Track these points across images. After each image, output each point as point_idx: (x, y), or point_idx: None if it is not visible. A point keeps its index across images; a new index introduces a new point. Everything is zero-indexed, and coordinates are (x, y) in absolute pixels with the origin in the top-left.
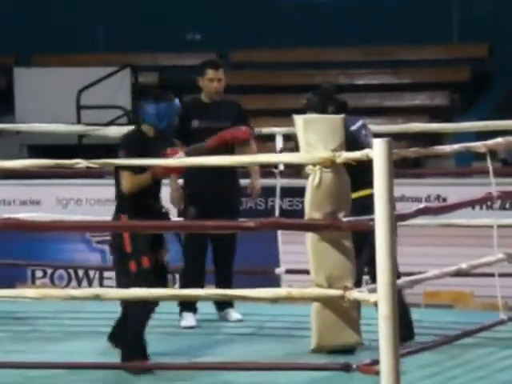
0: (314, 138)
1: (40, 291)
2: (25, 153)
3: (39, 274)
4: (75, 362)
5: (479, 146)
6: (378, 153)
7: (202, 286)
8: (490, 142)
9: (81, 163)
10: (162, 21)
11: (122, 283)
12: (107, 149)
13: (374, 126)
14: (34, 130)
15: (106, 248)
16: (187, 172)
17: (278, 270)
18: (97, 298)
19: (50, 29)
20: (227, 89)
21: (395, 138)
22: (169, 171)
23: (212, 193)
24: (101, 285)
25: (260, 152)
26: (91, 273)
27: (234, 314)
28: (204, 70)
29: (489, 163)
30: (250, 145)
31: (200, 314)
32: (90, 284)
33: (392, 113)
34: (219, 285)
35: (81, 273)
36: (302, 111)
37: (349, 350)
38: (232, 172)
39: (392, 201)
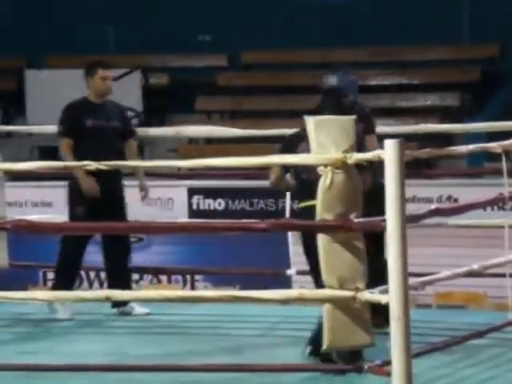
0: (326, 138)
1: (51, 293)
2: (36, 154)
3: (51, 275)
4: (86, 364)
5: (495, 146)
6: (389, 153)
7: (73, 282)
8: (506, 142)
9: (91, 165)
10: (173, 22)
11: None
12: None
13: (385, 127)
14: (46, 131)
15: None
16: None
17: (289, 272)
18: (108, 299)
19: (61, 31)
20: (238, 89)
21: (406, 139)
22: None
23: (99, 192)
24: None
25: (271, 153)
26: (102, 274)
27: (137, 308)
28: (95, 70)
29: (503, 164)
30: None
31: (204, 314)
32: (101, 285)
33: (403, 113)
34: (113, 284)
35: (92, 274)
36: (312, 112)
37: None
38: (115, 172)
39: (403, 202)
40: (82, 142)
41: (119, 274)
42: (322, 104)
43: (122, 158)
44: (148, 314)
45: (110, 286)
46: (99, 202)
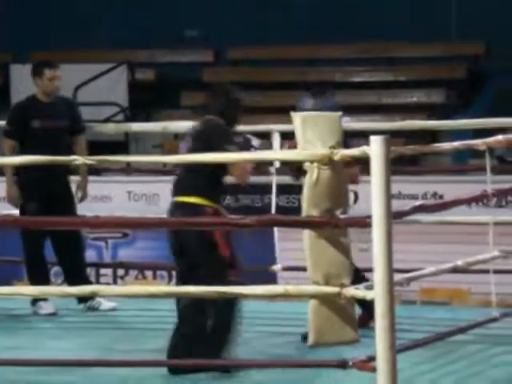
0: (312, 135)
1: (37, 289)
2: None
3: None
4: (71, 359)
5: (479, 143)
6: (375, 150)
7: (46, 274)
8: (490, 139)
9: (78, 160)
10: (160, 17)
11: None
12: (104, 145)
13: (371, 124)
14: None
15: (102, 245)
16: (21, 169)
17: (274, 267)
18: (93, 295)
19: (47, 26)
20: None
21: (392, 135)
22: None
23: (48, 189)
24: (97, 282)
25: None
26: (88, 270)
27: (104, 302)
28: (41, 70)
29: (487, 161)
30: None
31: None
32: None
33: (389, 110)
34: (69, 279)
35: None
36: (294, 109)
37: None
38: (64, 168)
39: (389, 198)
40: (29, 143)
41: (76, 271)
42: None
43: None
44: (115, 308)
45: (69, 284)
46: (48, 200)
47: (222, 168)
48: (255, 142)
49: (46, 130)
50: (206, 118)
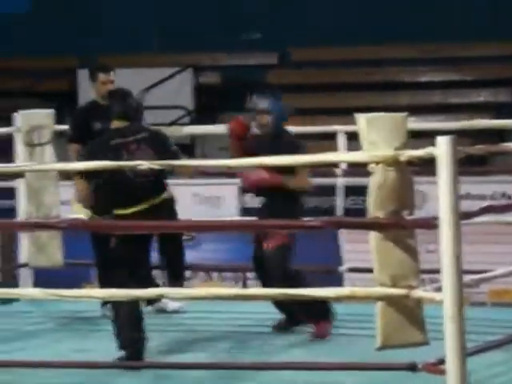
0: (377, 136)
1: (107, 291)
2: None
3: None
4: (140, 362)
5: None
6: (442, 150)
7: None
8: None
9: (143, 164)
10: (223, 20)
11: None
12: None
13: (438, 123)
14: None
15: None
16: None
17: (341, 269)
18: (161, 297)
19: (113, 30)
20: (289, 87)
21: (459, 135)
22: None
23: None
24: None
25: (322, 151)
26: (155, 272)
27: (171, 303)
28: (96, 75)
29: None
30: None
31: (252, 312)
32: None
33: (455, 110)
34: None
35: None
36: (359, 110)
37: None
38: None
39: (456, 199)
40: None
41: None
42: None
43: None
44: (181, 307)
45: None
46: None
47: None
48: None
49: (106, 131)
50: (145, 127)
